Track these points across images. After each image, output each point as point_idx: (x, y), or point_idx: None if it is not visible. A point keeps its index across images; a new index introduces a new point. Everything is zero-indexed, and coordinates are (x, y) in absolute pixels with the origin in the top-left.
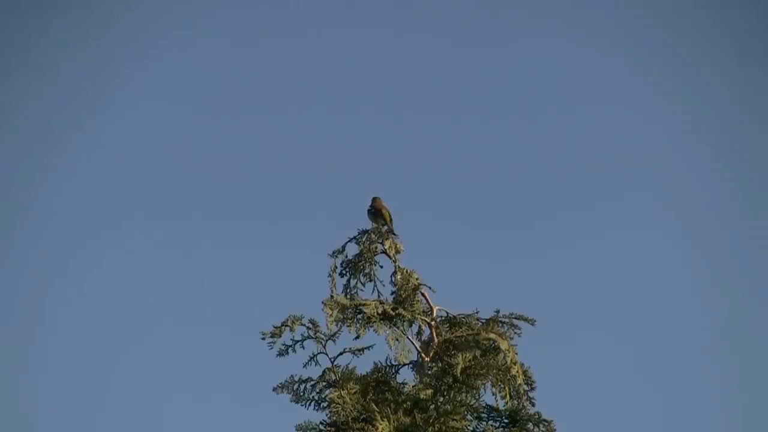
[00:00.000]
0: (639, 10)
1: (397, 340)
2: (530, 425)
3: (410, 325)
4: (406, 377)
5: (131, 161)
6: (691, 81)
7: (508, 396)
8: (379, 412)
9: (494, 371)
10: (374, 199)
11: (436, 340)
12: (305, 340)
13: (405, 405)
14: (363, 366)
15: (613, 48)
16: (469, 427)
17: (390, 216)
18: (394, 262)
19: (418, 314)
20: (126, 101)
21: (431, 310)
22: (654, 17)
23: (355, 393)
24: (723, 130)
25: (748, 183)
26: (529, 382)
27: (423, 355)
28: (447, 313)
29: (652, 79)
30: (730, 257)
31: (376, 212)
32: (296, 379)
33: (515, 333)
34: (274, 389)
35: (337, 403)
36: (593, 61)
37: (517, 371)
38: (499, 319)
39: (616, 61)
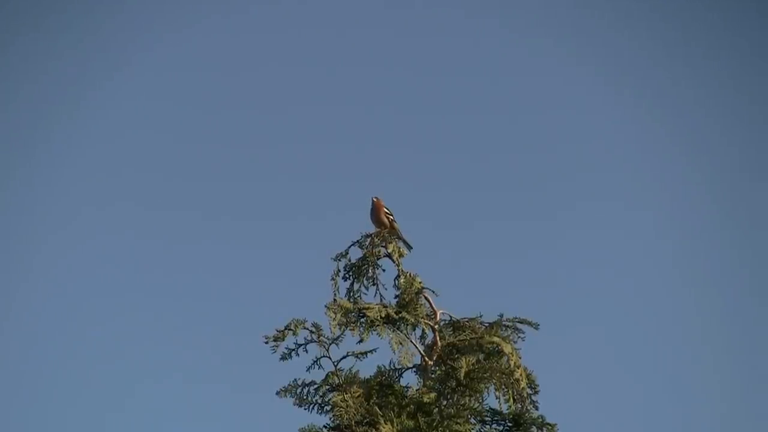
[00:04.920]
0: (620, 14)
1: (400, 343)
2: (534, 429)
3: (413, 329)
4: (410, 381)
5: (135, 160)
6: (677, 83)
7: (511, 399)
8: (382, 416)
9: (498, 375)
10: (373, 201)
11: (439, 343)
12: (308, 344)
13: (408, 408)
14: (366, 370)
15: (593, 51)
16: (472, 431)
17: (390, 221)
18: (398, 265)
19: (422, 318)
20: (129, 100)
21: (434, 313)
22: (633, 21)
23: (358, 396)
24: (708, 132)
25: (727, 184)
26: (532, 385)
27: (426, 358)
28: (450, 316)
29: (633, 81)
30: (713, 257)
31: (376, 214)
32: (299, 382)
33: (519, 337)
34: (278, 393)
35: (341, 407)
36: (579, 63)
37: (521, 375)
38: (503, 323)
39: (599, 62)
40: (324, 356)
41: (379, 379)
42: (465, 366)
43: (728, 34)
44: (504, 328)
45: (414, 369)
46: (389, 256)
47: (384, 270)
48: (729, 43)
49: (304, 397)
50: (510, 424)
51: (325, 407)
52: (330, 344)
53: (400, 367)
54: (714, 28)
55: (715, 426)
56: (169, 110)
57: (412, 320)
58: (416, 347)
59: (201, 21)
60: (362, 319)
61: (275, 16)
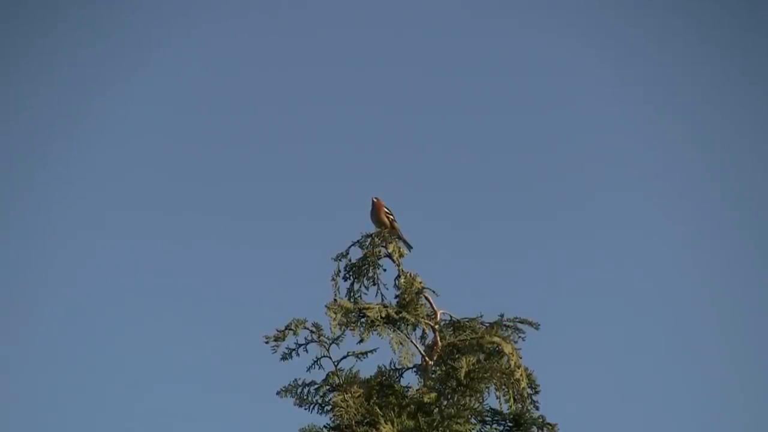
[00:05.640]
0: (628, 10)
1: (400, 343)
2: (534, 429)
3: (414, 329)
4: (410, 381)
5: (135, 161)
6: (680, 80)
7: (512, 399)
8: (382, 416)
9: (498, 375)
10: (374, 201)
11: (439, 343)
12: (309, 343)
13: (409, 408)
14: (366, 370)
15: (601, 47)
16: (473, 431)
17: (391, 221)
18: (398, 265)
19: (422, 318)
20: (130, 102)
21: (435, 313)
22: (643, 17)
23: (358, 396)
24: (710, 128)
25: (736, 180)
26: (532, 385)
27: (427, 358)
28: (451, 316)
29: (641, 78)
30: (719, 255)
31: (377, 214)
32: (300, 382)
33: (519, 337)
34: (278, 393)
35: (341, 407)
36: (581, 60)
37: (521, 375)
38: (503, 323)
39: (604, 59)
40: (324, 356)
41: (379, 379)
42: (465, 366)
43: (742, 28)
44: (504, 328)
45: (414, 369)
46: (389, 256)
47: (384, 270)
48: (741, 37)
49: (305, 397)
50: (510, 424)
51: (326, 407)
52: (330, 344)
53: (400, 367)
54: (730, 20)
55: (720, 426)
56: (170, 111)
57: (413, 320)
58: (417, 347)
59: (201, 21)
60: (362, 319)
61: (278, 15)
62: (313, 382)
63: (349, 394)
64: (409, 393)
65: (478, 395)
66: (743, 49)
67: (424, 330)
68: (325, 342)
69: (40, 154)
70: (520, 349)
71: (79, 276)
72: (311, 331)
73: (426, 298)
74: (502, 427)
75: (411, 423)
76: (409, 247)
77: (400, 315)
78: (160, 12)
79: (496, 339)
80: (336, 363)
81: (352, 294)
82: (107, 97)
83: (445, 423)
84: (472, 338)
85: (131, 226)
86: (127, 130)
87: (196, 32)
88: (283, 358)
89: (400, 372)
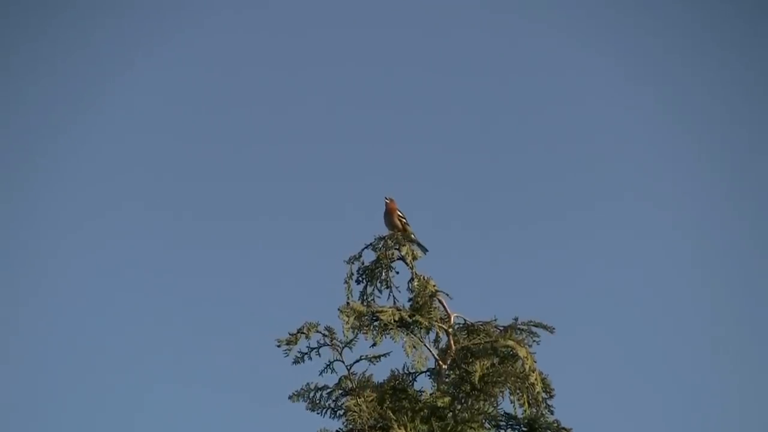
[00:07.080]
0: (633, 10)
1: (414, 347)
2: None
3: (427, 333)
4: (424, 385)
5: (147, 161)
6: (685, 81)
7: (526, 404)
8: (396, 420)
9: (512, 379)
10: (387, 204)
11: (453, 347)
12: (321, 347)
13: (422, 413)
14: (380, 373)
15: (607, 48)
16: None
17: (403, 224)
18: (411, 268)
19: (436, 321)
20: (135, 101)
21: (448, 317)
22: (648, 17)
23: (371, 401)
24: (716, 130)
25: (740, 183)
26: (547, 389)
27: (440, 362)
28: (464, 320)
29: (647, 79)
30: (723, 257)
31: (389, 217)
32: (312, 386)
33: (533, 340)
34: (290, 397)
35: (354, 411)
36: (587, 60)
37: (536, 379)
38: (518, 326)
39: (610, 60)
40: (337, 360)
41: (392, 383)
42: (479, 370)
43: (745, 29)
44: (519, 332)
45: (428, 373)
46: (403, 258)
47: (397, 273)
48: (746, 39)
49: (317, 402)
50: (525, 429)
51: (338, 412)
52: (343, 348)
53: (413, 371)
54: (733, 20)
55: (732, 427)
56: (175, 111)
57: (426, 323)
58: (430, 351)
59: (202, 20)
60: (375, 323)
61: (282, 14)
62: (325, 386)
63: (362, 399)
64: (423, 397)
65: (493, 399)
66: (749, 48)
67: (437, 333)
68: (338, 345)
69: (40, 152)
70: (534, 353)
71: (82, 275)
72: (324, 335)
73: (439, 301)
74: None
75: (424, 427)
76: (425, 250)
77: (414, 318)
78: (160, 8)
79: (510, 342)
80: (349, 367)
81: (365, 297)
82: (109, 96)
83: (459, 427)
84: (486, 342)
85: (139, 227)
86: (136, 129)
87: (205, 30)
88: (296, 361)
89: (414, 376)
